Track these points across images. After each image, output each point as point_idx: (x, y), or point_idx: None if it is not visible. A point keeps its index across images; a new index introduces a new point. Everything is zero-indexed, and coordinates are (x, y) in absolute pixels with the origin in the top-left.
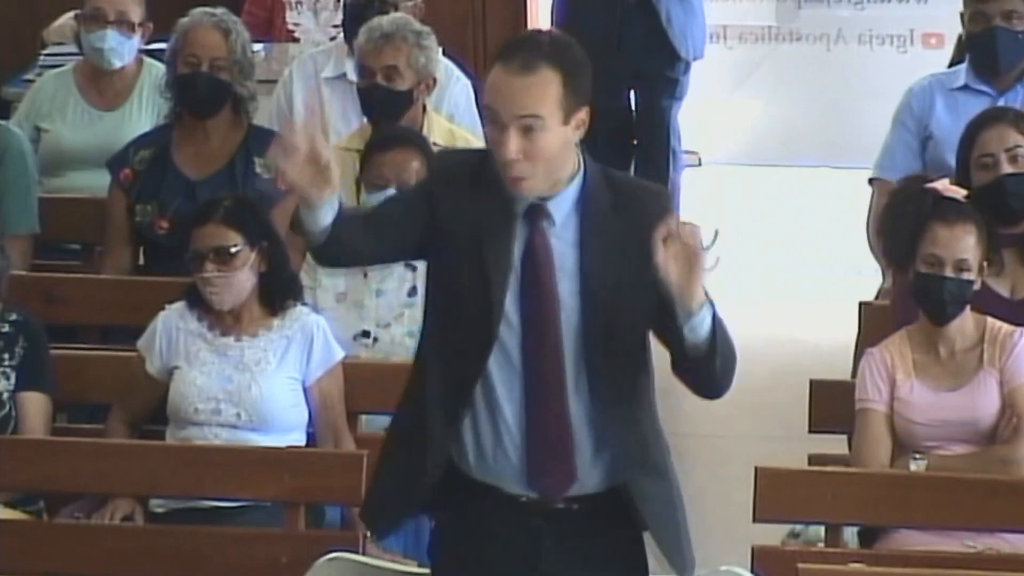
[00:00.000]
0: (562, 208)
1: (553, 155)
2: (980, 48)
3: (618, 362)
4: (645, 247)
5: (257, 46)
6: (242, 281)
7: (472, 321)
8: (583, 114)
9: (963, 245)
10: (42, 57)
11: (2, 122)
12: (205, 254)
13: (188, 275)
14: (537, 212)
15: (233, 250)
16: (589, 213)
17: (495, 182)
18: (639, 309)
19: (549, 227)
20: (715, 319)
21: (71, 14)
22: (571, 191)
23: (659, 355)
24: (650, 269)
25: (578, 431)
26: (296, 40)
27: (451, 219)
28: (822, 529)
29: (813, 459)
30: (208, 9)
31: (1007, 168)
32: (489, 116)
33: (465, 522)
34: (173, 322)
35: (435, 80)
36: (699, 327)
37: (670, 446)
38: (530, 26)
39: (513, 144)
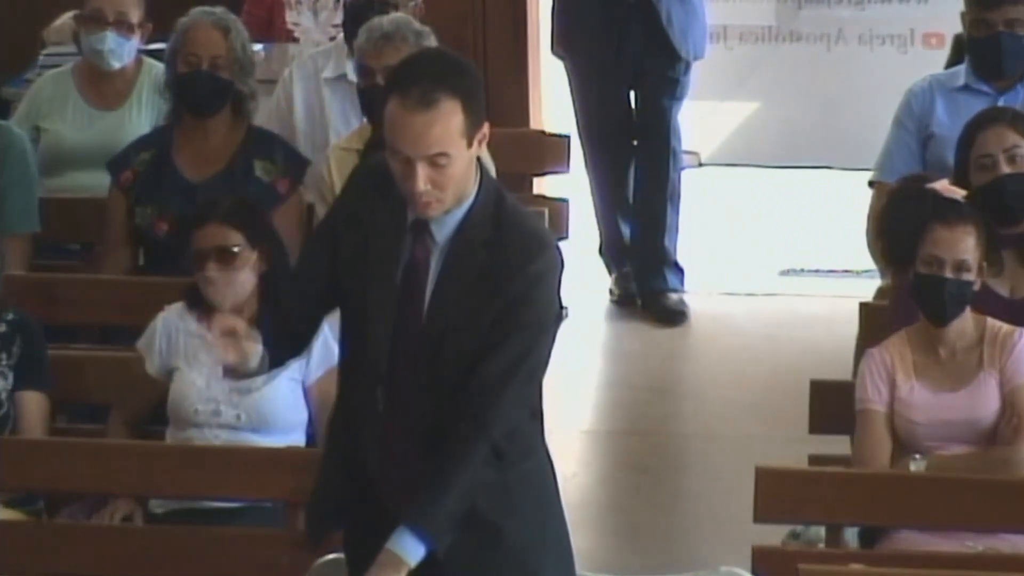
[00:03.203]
0: (445, 229)
1: (460, 178)
2: (984, 53)
3: (445, 397)
4: (493, 290)
5: (257, 46)
6: (243, 281)
7: (358, 327)
8: (484, 129)
9: (963, 246)
10: (42, 57)
11: (3, 122)
12: (207, 253)
13: (188, 276)
14: (420, 228)
15: (235, 249)
16: (461, 240)
17: (396, 195)
18: (466, 350)
19: (432, 245)
20: (426, 537)
21: (71, 14)
22: (457, 214)
23: (660, 355)
24: (487, 315)
25: (419, 455)
26: (296, 40)
27: (349, 227)
28: (822, 529)
29: (813, 459)
30: (207, 8)
31: (1005, 168)
32: (392, 153)
33: (365, 535)
34: (173, 322)
35: None
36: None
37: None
38: (530, 27)
39: (422, 178)
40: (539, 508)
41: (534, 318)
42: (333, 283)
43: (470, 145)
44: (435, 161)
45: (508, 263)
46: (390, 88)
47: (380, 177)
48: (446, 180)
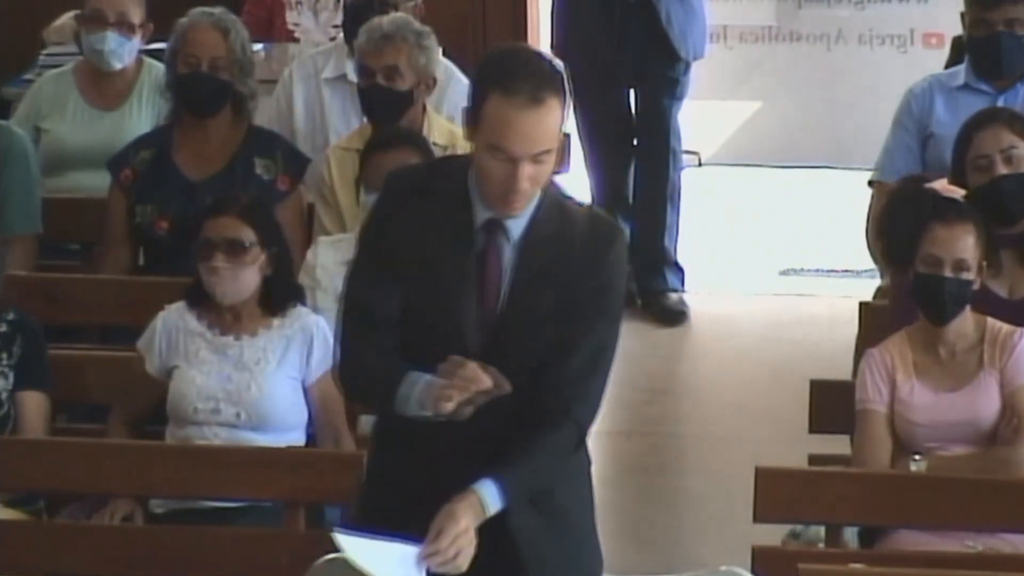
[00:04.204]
0: (518, 225)
1: (550, 173)
2: (983, 53)
3: (521, 390)
4: (571, 282)
5: (257, 46)
6: (248, 277)
7: (439, 328)
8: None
9: (962, 245)
10: (42, 57)
11: (4, 123)
12: (217, 244)
13: (188, 275)
14: (495, 227)
15: (246, 244)
16: (534, 235)
17: (449, 195)
18: (546, 341)
19: (504, 243)
20: (506, 493)
21: (71, 14)
22: (529, 210)
23: (660, 355)
24: (568, 306)
25: (484, 444)
26: (296, 40)
27: (405, 239)
28: (822, 529)
29: (813, 459)
30: (206, 9)
31: (1002, 169)
32: (496, 153)
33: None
34: (173, 322)
35: (435, 80)
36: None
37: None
38: (530, 27)
39: (525, 178)
40: (589, 493)
41: (614, 305)
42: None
43: (558, 141)
44: (538, 159)
45: (587, 253)
46: (489, 86)
47: (411, 182)
48: (541, 177)
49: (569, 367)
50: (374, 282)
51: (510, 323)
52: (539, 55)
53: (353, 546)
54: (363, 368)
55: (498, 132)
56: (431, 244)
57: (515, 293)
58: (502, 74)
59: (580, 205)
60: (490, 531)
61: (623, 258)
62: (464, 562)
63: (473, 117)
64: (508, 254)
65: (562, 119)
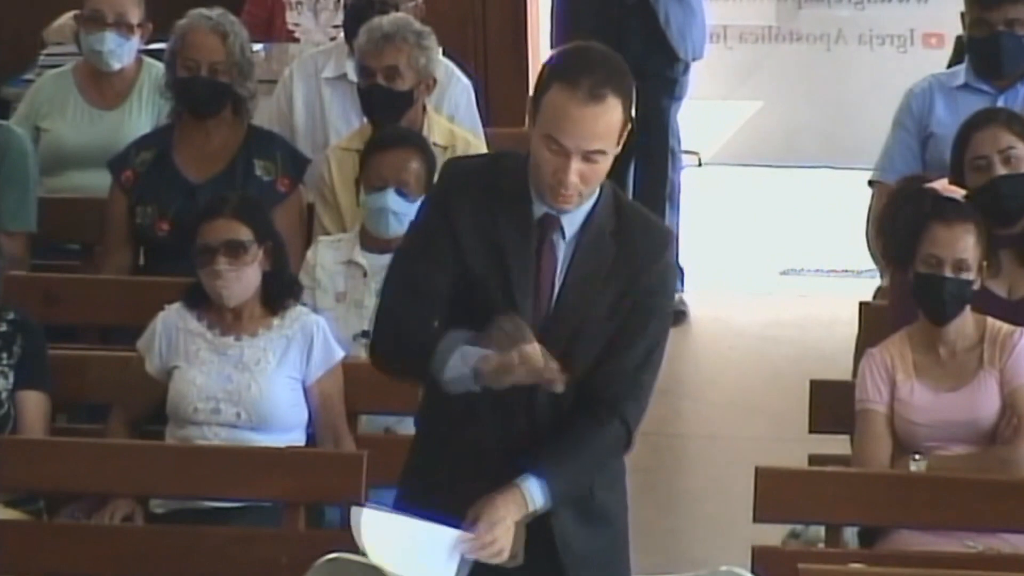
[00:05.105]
0: (574, 222)
1: (604, 175)
2: (983, 53)
3: (572, 385)
4: (627, 281)
5: (257, 46)
6: (250, 276)
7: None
8: (627, 127)
9: (962, 245)
10: (42, 57)
11: (4, 122)
12: (216, 247)
13: (188, 275)
14: (551, 223)
15: (245, 243)
16: (591, 233)
17: (510, 190)
18: (599, 339)
19: (559, 239)
20: (549, 490)
21: (71, 14)
22: (585, 208)
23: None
24: (623, 303)
25: (532, 439)
26: (296, 40)
27: (469, 229)
28: (822, 529)
29: (813, 459)
30: (205, 11)
31: (1000, 170)
32: (550, 143)
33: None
34: (173, 322)
35: (435, 80)
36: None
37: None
38: (530, 27)
39: (575, 172)
40: (626, 498)
41: (666, 306)
42: (451, 290)
43: (618, 143)
44: (590, 157)
45: (641, 253)
46: (554, 77)
47: (474, 174)
48: (594, 176)
49: (620, 365)
50: (423, 257)
51: (560, 320)
52: (611, 55)
53: (373, 522)
54: (397, 331)
55: (553, 122)
56: (494, 237)
57: (567, 290)
58: (568, 67)
59: (634, 205)
60: (529, 529)
61: (675, 260)
62: (503, 552)
63: (534, 106)
64: (563, 251)
65: (624, 122)
